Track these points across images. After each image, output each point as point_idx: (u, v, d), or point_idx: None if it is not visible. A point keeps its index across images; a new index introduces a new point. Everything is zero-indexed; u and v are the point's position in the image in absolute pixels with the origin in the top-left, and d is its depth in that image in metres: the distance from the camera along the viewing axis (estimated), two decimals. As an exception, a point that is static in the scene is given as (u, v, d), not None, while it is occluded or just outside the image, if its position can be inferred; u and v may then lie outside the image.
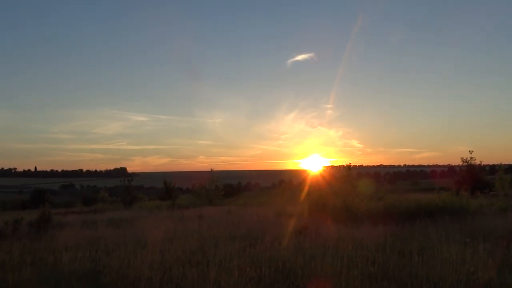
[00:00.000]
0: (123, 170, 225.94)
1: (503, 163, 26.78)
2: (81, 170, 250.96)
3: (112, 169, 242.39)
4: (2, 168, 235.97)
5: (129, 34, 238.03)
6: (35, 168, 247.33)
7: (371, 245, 8.95)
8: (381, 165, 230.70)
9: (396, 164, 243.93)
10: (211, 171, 32.10)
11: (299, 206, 17.94)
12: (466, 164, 28.28)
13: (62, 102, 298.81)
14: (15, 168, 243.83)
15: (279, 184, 67.27)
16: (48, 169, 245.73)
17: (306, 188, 21.18)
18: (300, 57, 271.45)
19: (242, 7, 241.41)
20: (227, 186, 39.69)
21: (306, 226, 11.73)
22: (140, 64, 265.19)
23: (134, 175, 75.38)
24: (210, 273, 6.71)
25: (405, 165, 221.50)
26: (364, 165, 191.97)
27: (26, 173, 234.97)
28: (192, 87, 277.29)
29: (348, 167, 17.04)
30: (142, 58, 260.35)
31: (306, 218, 14.74)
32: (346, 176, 16.74)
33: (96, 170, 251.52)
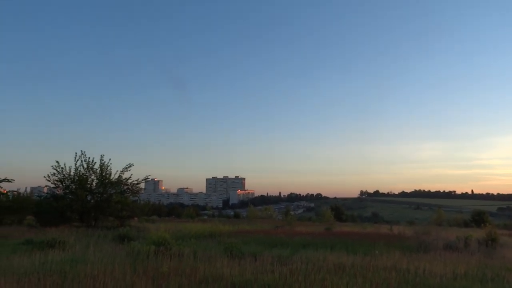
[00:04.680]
0: None
1: None
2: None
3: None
4: (444, 191, 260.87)
5: None
6: (472, 191, 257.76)
7: None
8: None
9: None
10: None
11: None
12: None
13: (491, 131, 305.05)
14: (454, 191, 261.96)
15: None
16: (484, 192, 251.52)
17: None
18: None
19: None
20: None
21: None
22: None
23: None
24: None
25: None
26: None
27: (464, 196, 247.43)
28: None
29: None
30: None
31: None
32: None
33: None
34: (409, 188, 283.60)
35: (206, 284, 7.30)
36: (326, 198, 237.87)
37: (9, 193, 34.91)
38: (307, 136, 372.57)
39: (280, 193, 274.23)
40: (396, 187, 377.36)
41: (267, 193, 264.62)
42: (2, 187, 30.57)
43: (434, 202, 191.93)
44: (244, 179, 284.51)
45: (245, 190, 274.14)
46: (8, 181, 29.23)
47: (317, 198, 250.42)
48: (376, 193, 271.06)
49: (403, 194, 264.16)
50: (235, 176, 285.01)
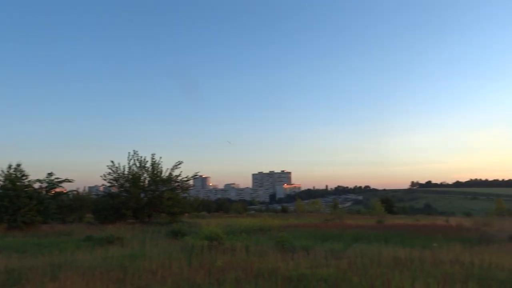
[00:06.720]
0: None
1: None
2: None
3: None
4: (503, 179, 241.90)
5: None
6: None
7: None
8: None
9: None
10: None
11: None
12: None
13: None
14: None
15: None
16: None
17: None
18: None
19: None
20: None
21: None
22: None
23: None
24: None
25: None
26: None
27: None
28: None
29: None
30: None
31: None
32: None
33: None
34: (463, 178, 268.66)
35: (262, 278, 7.27)
36: (374, 190, 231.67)
37: (69, 193, 37.03)
38: (352, 129, 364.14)
39: (327, 186, 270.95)
40: (450, 177, 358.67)
41: (313, 187, 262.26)
42: (63, 187, 32.47)
43: (492, 192, 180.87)
44: (290, 173, 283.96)
45: (291, 184, 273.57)
46: (69, 181, 30.97)
47: (366, 191, 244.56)
48: (428, 183, 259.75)
49: (457, 184, 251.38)
50: (281, 171, 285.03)
